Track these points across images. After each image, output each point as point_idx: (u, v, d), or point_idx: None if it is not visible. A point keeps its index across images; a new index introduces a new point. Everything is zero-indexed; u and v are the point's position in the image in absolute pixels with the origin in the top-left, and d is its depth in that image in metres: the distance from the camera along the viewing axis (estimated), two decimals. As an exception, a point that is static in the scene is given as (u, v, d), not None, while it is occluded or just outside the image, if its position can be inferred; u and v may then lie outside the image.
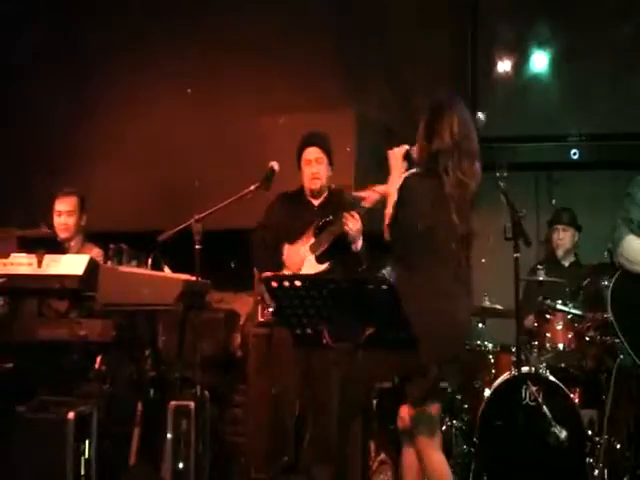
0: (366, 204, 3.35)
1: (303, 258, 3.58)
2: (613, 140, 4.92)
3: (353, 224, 3.45)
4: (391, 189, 2.93)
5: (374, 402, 4.24)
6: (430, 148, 2.87)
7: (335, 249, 3.57)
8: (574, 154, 4.91)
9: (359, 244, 3.52)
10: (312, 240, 3.59)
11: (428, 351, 2.79)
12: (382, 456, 4.11)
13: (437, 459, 2.89)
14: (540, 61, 5.11)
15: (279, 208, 3.71)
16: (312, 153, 3.59)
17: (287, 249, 3.59)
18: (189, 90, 4.71)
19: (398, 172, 2.94)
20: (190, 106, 4.70)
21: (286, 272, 3.56)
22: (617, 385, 3.91)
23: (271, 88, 4.56)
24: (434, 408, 2.94)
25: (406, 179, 2.91)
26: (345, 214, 3.47)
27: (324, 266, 3.56)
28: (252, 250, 3.72)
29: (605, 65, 4.94)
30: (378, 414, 4.25)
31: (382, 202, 3.42)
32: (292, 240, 3.62)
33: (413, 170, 2.95)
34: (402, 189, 2.90)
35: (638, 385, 3.85)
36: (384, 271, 4.63)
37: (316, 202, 3.69)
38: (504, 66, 5.20)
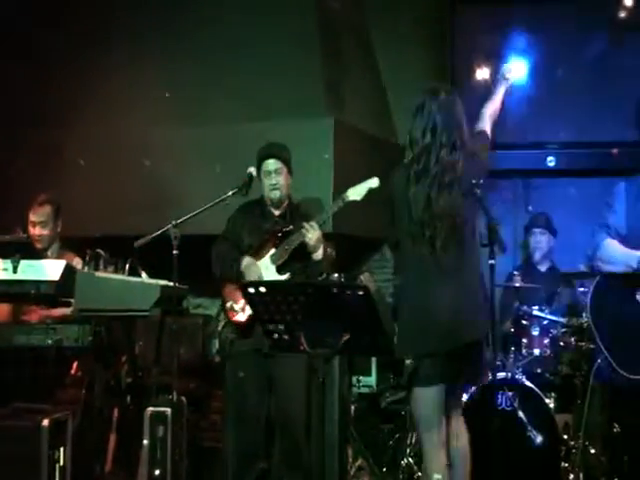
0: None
1: (263, 268, 3.59)
2: (588, 148, 4.99)
3: (312, 234, 3.48)
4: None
5: (352, 407, 4.26)
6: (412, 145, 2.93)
7: (296, 259, 3.58)
8: (550, 161, 4.98)
9: (319, 253, 3.54)
10: (273, 250, 3.61)
11: (401, 345, 2.86)
12: (360, 461, 4.12)
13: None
14: (518, 69, 5.17)
15: (240, 219, 3.72)
16: (271, 164, 3.63)
17: (247, 260, 3.59)
18: (167, 94, 4.69)
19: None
20: (169, 110, 4.69)
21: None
22: (592, 390, 3.96)
23: (251, 94, 4.56)
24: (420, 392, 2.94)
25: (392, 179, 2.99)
26: (304, 224, 3.49)
27: (285, 276, 3.58)
28: (213, 261, 3.73)
29: (581, 74, 5.02)
30: (356, 419, 4.27)
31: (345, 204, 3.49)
32: (253, 251, 3.63)
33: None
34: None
35: (613, 390, 3.90)
36: (362, 277, 4.66)
37: (277, 212, 3.71)
38: (482, 74, 5.25)
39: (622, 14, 5.02)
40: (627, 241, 2.78)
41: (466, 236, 2.94)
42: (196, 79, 4.74)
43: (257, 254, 3.64)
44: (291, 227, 3.61)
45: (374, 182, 3.54)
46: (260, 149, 3.72)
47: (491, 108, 3.18)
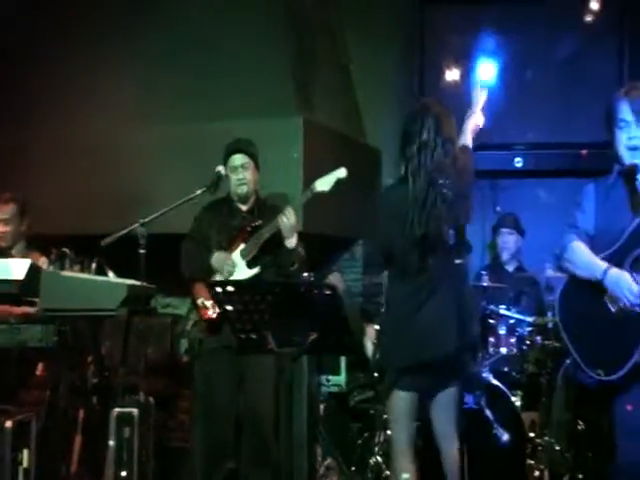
0: None
1: (231, 261, 3.59)
2: (556, 149, 5.05)
3: (290, 218, 3.48)
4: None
5: (321, 407, 4.27)
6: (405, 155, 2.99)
7: (265, 252, 3.59)
8: (518, 162, 5.03)
9: (293, 241, 3.55)
10: (242, 245, 3.60)
11: (383, 357, 2.92)
12: (329, 461, 4.12)
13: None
14: (486, 71, 5.21)
15: (207, 217, 3.72)
16: (238, 159, 3.63)
17: (217, 256, 3.59)
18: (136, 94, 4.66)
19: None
20: (137, 109, 4.65)
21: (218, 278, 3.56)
22: (558, 388, 4.02)
23: (219, 93, 4.54)
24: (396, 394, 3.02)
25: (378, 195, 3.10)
26: (285, 209, 3.50)
27: (255, 270, 3.57)
28: (182, 260, 3.71)
29: (548, 76, 5.07)
30: (325, 418, 4.27)
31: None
32: (222, 247, 3.63)
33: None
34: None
35: (577, 388, 3.96)
36: (331, 276, 4.67)
37: (244, 208, 3.71)
38: (452, 75, 5.29)
39: (589, 17, 5.09)
40: (595, 242, 2.80)
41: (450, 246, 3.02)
42: (164, 79, 4.71)
43: (227, 250, 3.63)
44: (260, 222, 3.61)
45: (342, 172, 3.56)
46: (227, 145, 3.71)
47: (472, 123, 3.21)
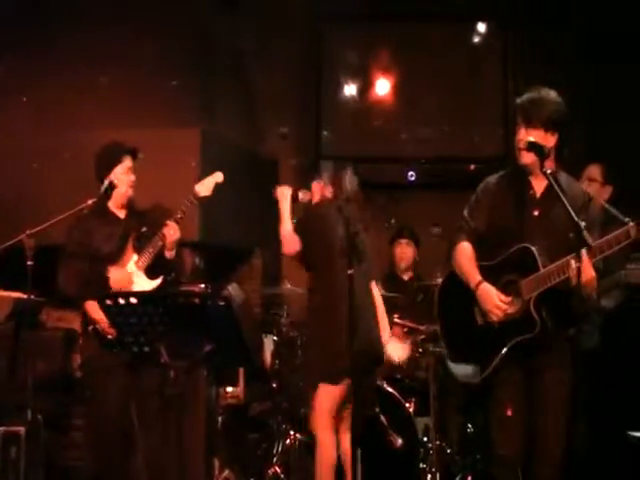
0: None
1: (130, 276, 3.49)
2: (444, 163, 5.27)
3: (174, 232, 3.47)
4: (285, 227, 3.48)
5: (219, 419, 4.24)
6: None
7: (162, 261, 3.54)
8: (411, 176, 5.21)
9: (173, 253, 3.53)
10: (135, 256, 3.52)
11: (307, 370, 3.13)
12: (226, 472, 4.10)
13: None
14: (382, 86, 5.38)
15: (83, 228, 3.55)
16: (130, 161, 3.58)
17: (114, 274, 3.47)
18: (24, 98, 4.50)
19: (287, 211, 3.49)
20: (26, 116, 4.50)
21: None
22: (446, 393, 4.17)
23: (115, 102, 4.47)
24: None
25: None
26: (168, 222, 3.47)
27: (158, 281, 3.51)
28: (66, 282, 3.47)
29: (438, 92, 5.29)
30: (223, 431, 4.25)
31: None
32: (112, 260, 3.52)
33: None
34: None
35: (466, 393, 4.13)
36: (230, 287, 4.65)
37: (121, 214, 3.62)
38: (349, 90, 5.42)
39: (477, 39, 5.35)
40: (486, 239, 2.91)
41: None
42: (59, 85, 4.59)
43: (120, 262, 3.53)
44: (144, 229, 3.54)
45: (219, 176, 3.60)
46: (114, 147, 3.59)
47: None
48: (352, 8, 5.21)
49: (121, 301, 2.79)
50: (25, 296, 3.34)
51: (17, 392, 3.60)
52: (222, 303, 2.78)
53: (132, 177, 3.56)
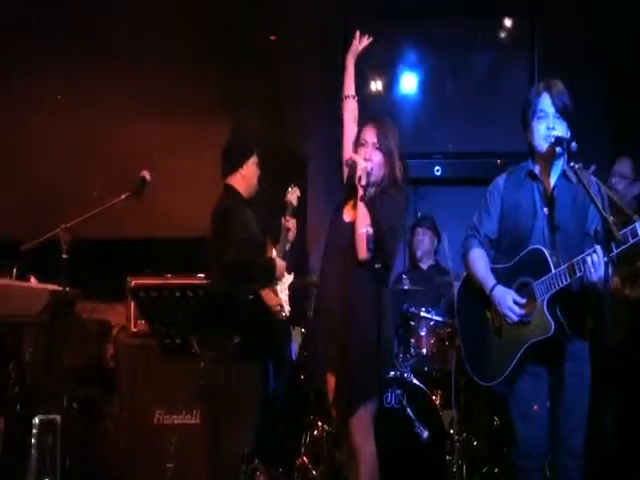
0: None
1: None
2: (471, 158, 5.26)
3: (293, 227, 3.70)
4: None
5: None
6: None
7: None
8: (437, 170, 5.23)
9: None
10: (274, 248, 3.66)
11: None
12: (255, 462, 4.15)
13: None
14: (408, 82, 5.39)
15: (242, 215, 3.62)
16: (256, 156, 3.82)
17: (279, 264, 3.59)
18: (59, 96, 4.60)
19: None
20: (60, 112, 4.59)
21: None
22: (472, 386, 4.18)
23: (145, 96, 4.54)
24: None
25: None
26: (288, 217, 3.67)
27: (292, 275, 3.68)
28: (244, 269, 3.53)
29: (465, 88, 5.29)
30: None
31: None
32: (264, 249, 3.66)
33: None
34: None
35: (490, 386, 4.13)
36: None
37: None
38: (376, 85, 5.44)
39: (503, 34, 5.34)
40: (496, 245, 2.95)
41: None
42: (91, 81, 4.68)
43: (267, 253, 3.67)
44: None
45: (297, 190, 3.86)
46: (246, 142, 3.79)
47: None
48: (378, 3, 5.23)
49: (153, 293, 2.87)
50: (61, 288, 3.42)
51: (53, 381, 3.70)
52: (251, 296, 2.85)
53: (259, 171, 3.69)
